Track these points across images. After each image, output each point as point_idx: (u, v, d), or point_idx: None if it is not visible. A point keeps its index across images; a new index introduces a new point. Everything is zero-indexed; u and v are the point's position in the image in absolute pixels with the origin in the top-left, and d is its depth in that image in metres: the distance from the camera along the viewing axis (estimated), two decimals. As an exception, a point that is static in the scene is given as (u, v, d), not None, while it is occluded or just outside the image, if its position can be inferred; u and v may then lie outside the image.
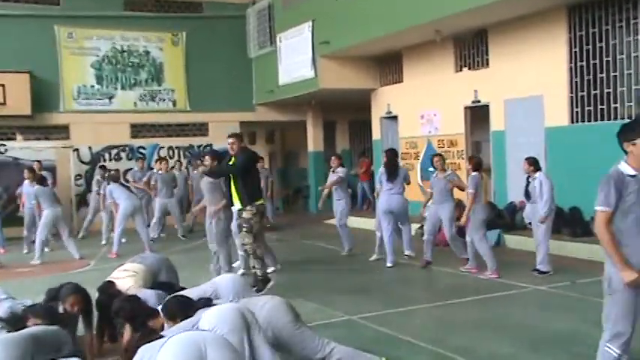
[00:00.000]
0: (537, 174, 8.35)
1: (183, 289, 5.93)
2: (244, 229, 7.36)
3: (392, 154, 9.82)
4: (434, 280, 8.39)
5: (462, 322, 6.13)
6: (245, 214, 7.31)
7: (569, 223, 10.11)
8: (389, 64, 14.95)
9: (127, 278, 5.51)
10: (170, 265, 6.11)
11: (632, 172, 3.78)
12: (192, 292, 4.72)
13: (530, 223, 9.12)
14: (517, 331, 5.74)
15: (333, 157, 10.66)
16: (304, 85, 15.21)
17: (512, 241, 10.54)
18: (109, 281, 5.49)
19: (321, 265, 9.83)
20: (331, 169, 10.57)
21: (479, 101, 12.45)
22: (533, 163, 8.45)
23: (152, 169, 14.30)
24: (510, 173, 11.67)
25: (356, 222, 14.42)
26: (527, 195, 8.58)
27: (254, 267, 7.46)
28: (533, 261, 8.44)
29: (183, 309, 4.16)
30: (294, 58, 15.47)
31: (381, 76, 15.23)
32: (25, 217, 12.78)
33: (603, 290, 3.91)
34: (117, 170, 14.39)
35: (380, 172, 9.80)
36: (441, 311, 6.59)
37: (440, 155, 9.53)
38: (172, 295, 4.54)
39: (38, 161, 14.48)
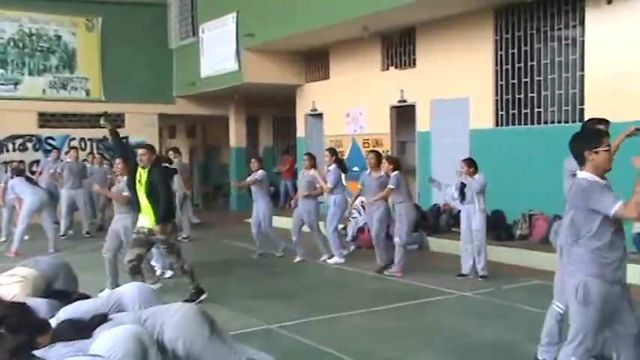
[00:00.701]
0: (477, 175, 8.15)
1: (82, 297, 5.33)
2: (164, 250, 6.88)
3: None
4: (358, 284, 8.07)
5: (388, 331, 5.83)
6: (160, 236, 6.76)
7: (493, 226, 10.01)
8: (315, 60, 14.60)
9: (13, 285, 4.84)
10: (69, 271, 5.46)
11: (602, 181, 3.66)
12: (88, 305, 4.15)
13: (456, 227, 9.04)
14: (445, 341, 5.49)
15: (252, 160, 10.18)
16: (227, 79, 14.64)
17: (435, 244, 10.41)
18: (-7, 289, 4.81)
19: (240, 267, 9.35)
20: (252, 172, 10.10)
21: (405, 101, 12.29)
22: (472, 164, 8.25)
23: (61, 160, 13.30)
24: (435, 175, 11.49)
25: (279, 222, 13.99)
26: (463, 197, 8.37)
27: (187, 281, 7.00)
28: (457, 265, 8.28)
29: (78, 332, 3.60)
30: (218, 50, 14.87)
31: (307, 71, 14.87)
32: None
33: (571, 300, 3.64)
34: (21, 162, 13.42)
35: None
36: (366, 319, 6.26)
37: (375, 152, 9.24)
38: (65, 318, 3.94)
39: None
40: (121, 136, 15.78)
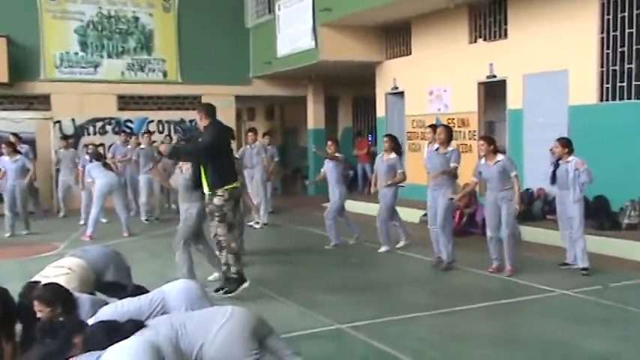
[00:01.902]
0: (571, 157, 7.23)
1: (138, 290, 4.86)
2: (216, 218, 6.24)
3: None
4: (442, 279, 7.22)
5: (474, 337, 5.04)
6: (216, 200, 6.18)
7: (595, 214, 8.96)
8: (396, 35, 13.72)
9: (59, 277, 4.42)
10: (120, 262, 5.01)
11: None
12: (130, 305, 3.64)
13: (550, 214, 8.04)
14: (540, 350, 4.65)
15: (329, 142, 9.48)
16: (304, 57, 14.02)
17: (529, 233, 9.39)
18: (34, 282, 4.41)
19: (312, 255, 8.74)
20: (327, 155, 9.43)
21: (494, 76, 11.25)
22: (568, 145, 7.33)
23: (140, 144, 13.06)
24: (528, 157, 10.51)
25: (355, 207, 13.33)
26: (554, 180, 7.43)
27: (227, 263, 6.35)
28: (555, 257, 7.36)
29: (110, 337, 3.09)
30: (294, 28, 14.28)
31: (388, 47, 14.01)
32: (5, 195, 11.37)
33: None
34: (97, 146, 13.41)
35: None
36: (449, 320, 5.48)
37: (389, 136, 8.91)
38: (99, 319, 3.44)
39: (15, 134, 13.41)
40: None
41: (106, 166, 10.68)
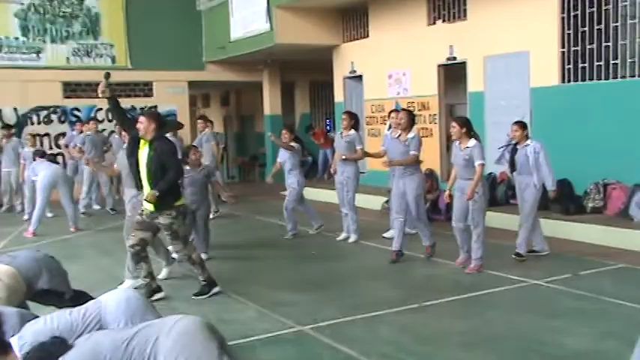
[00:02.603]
0: (529, 141, 7.02)
1: (80, 298, 4.40)
2: (168, 237, 5.84)
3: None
4: (408, 271, 6.88)
5: (445, 335, 4.74)
6: (162, 219, 5.75)
7: (558, 198, 8.77)
8: (353, 17, 13.34)
9: (-17, 287, 3.93)
10: (54, 266, 4.50)
11: None
12: (59, 321, 3.18)
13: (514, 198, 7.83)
14: (520, 350, 4.37)
15: (283, 131, 9.07)
16: (258, 41, 13.52)
17: (493, 218, 9.16)
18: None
19: (271, 248, 8.34)
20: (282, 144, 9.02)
21: (454, 58, 10.98)
22: (525, 128, 7.12)
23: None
24: (490, 141, 10.27)
25: (316, 194, 12.99)
26: (513, 165, 7.25)
27: (196, 272, 6.01)
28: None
29: None
30: (248, 10, 13.76)
31: (345, 30, 13.62)
32: None
33: None
34: (46, 134, 12.74)
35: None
36: (418, 318, 5.15)
37: (347, 113, 8.62)
38: (23, 339, 2.98)
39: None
40: (150, 105, 15.40)
41: (50, 160, 10.07)
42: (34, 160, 10.03)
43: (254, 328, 4.91)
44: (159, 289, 5.95)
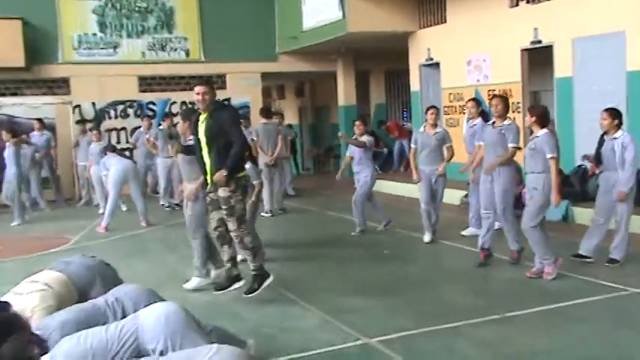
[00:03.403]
0: (619, 133, 6.23)
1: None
2: (224, 212, 5.50)
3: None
4: (490, 274, 6.29)
5: (530, 355, 4.18)
6: (221, 192, 5.44)
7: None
8: (429, 2, 12.68)
9: (33, 294, 3.73)
10: (109, 275, 4.25)
11: None
12: (92, 339, 2.91)
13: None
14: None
15: (357, 122, 8.61)
16: (331, 29, 13.12)
17: (583, 215, 8.42)
18: (3, 302, 3.72)
19: (339, 247, 7.93)
20: (354, 137, 8.61)
21: (540, 42, 10.18)
22: (616, 117, 6.30)
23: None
24: (579, 130, 9.49)
25: (388, 187, 12.49)
26: (599, 159, 6.51)
27: (232, 262, 5.66)
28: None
29: None
30: (320, -2, 13.38)
31: (421, 16, 12.98)
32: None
33: None
34: (122, 129, 12.84)
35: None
36: (498, 331, 4.60)
37: (433, 107, 8.14)
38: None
39: (39, 119, 12.95)
40: (224, 98, 15.33)
41: (120, 154, 10.10)
42: (105, 154, 10.06)
43: (316, 338, 4.53)
44: (238, 278, 5.61)
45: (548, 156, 5.78)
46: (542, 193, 5.85)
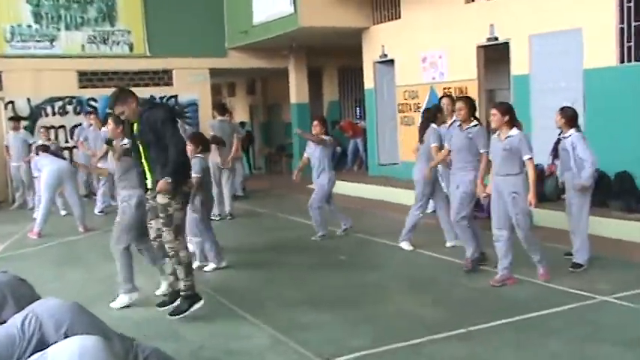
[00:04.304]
0: (570, 131, 5.98)
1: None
2: (160, 221, 4.95)
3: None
4: (453, 282, 5.91)
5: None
6: (159, 199, 4.90)
7: (618, 194, 7.78)
8: (384, -4, 12.37)
9: None
10: (23, 292, 3.65)
11: None
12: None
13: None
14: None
15: (314, 122, 8.12)
16: (282, 24, 12.63)
17: (542, 217, 8.16)
18: None
19: (293, 253, 7.45)
20: (313, 138, 8.14)
21: (496, 38, 9.94)
22: (569, 117, 6.07)
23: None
24: (536, 129, 9.25)
25: (342, 188, 12.07)
26: (555, 157, 6.34)
27: (175, 275, 5.11)
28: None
29: None
30: (271, -9, 12.88)
31: (375, 11, 12.63)
32: None
33: None
34: (61, 127, 12.09)
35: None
36: (462, 348, 4.22)
37: (465, 99, 6.43)
38: None
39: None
40: (170, 95, 14.66)
41: (55, 154, 9.38)
42: (37, 154, 9.34)
43: (263, 360, 4.06)
44: (197, 298, 5.04)
45: (526, 157, 5.45)
46: (524, 197, 5.47)
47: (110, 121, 5.59)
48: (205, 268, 6.60)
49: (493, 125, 5.69)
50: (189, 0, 14.54)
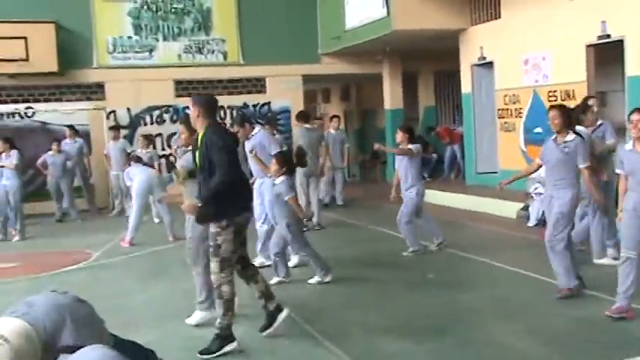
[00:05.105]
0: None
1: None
2: (210, 250, 4.63)
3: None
4: (554, 311, 5.26)
5: None
6: (211, 227, 4.60)
7: None
8: (483, -4, 11.71)
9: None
10: (82, 314, 3.46)
11: None
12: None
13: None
14: None
15: (398, 131, 7.71)
16: (375, 28, 12.26)
17: None
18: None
19: (380, 269, 7.02)
20: (396, 150, 7.74)
21: (608, 36, 9.08)
22: None
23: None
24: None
25: (437, 197, 11.52)
26: None
27: (264, 297, 4.85)
28: None
29: None
30: (364, -5, 12.55)
31: (472, 11, 11.98)
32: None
33: None
34: (158, 135, 12.33)
35: None
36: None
37: (559, 107, 5.79)
38: None
39: (70, 126, 12.56)
40: (262, 102, 14.67)
41: (145, 164, 9.52)
42: (129, 165, 9.49)
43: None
44: (279, 308, 4.83)
45: (582, 165, 4.89)
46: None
47: (182, 126, 5.32)
48: (309, 281, 6.37)
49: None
50: (282, 8, 14.48)
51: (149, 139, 12.41)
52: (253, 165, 7.11)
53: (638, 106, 8.32)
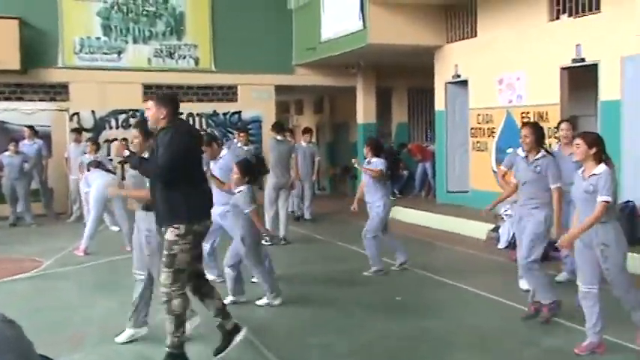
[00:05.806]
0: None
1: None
2: (163, 259, 4.29)
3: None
4: (527, 337, 5.09)
5: None
6: (167, 234, 4.28)
7: None
8: (459, 13, 11.59)
9: None
10: (6, 337, 3.13)
11: None
12: None
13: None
14: None
15: (365, 146, 7.54)
16: (350, 40, 12.08)
17: (636, 261, 7.14)
18: None
19: (345, 289, 6.75)
20: (366, 161, 7.53)
21: (583, 59, 9.01)
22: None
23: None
24: (627, 163, 8.26)
25: (406, 215, 11.33)
26: None
27: (220, 315, 4.51)
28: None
29: None
30: (340, 7, 12.37)
31: (449, 28, 11.88)
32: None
33: None
34: (124, 139, 11.84)
35: None
36: None
37: (532, 125, 5.70)
38: None
39: (30, 127, 12.07)
40: (233, 110, 14.35)
41: (105, 169, 9.11)
42: (88, 170, 9.07)
43: None
44: (237, 328, 4.53)
45: (600, 199, 4.38)
46: (617, 250, 4.48)
47: (137, 131, 4.96)
48: (257, 302, 6.03)
49: (577, 157, 4.76)
50: (257, 16, 14.22)
51: (97, 144, 11.75)
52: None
53: (611, 130, 8.30)
